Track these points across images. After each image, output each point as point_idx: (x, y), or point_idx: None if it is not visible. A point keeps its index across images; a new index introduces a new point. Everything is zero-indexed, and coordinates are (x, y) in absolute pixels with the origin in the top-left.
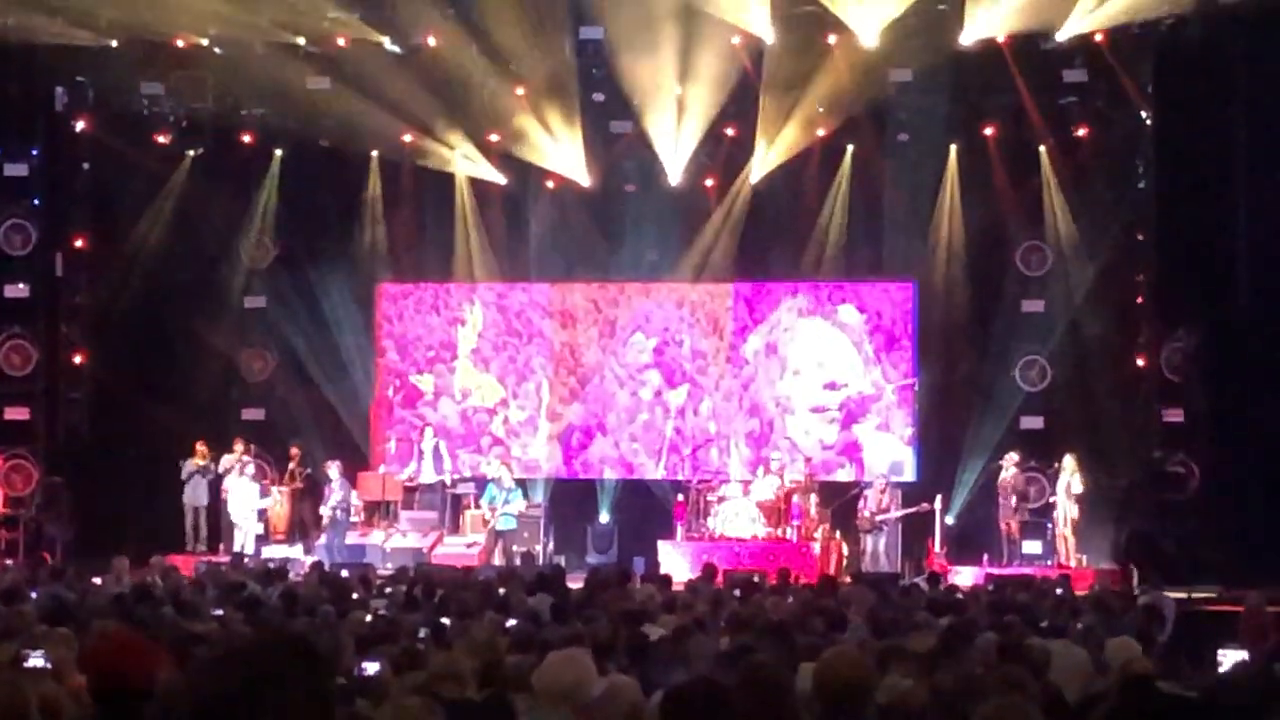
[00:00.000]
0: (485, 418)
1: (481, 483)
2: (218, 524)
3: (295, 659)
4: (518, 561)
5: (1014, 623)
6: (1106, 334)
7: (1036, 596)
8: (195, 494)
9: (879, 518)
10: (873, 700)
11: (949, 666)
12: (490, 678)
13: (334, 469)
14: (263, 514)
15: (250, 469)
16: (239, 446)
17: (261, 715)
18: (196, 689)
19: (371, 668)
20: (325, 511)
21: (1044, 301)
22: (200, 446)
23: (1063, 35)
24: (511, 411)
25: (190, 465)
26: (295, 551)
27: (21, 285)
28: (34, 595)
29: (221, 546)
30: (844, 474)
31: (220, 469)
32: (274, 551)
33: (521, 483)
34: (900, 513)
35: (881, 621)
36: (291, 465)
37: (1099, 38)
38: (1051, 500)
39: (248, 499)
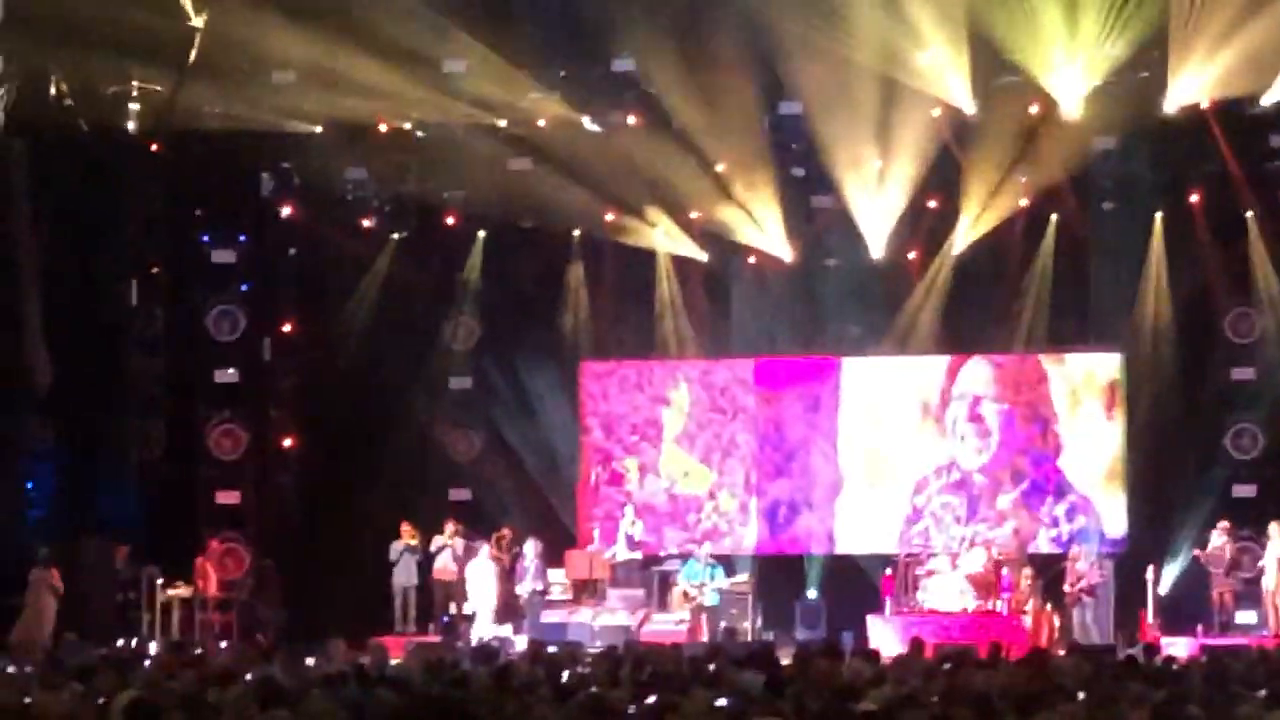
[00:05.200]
0: (694, 501)
1: (685, 559)
2: (426, 604)
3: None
4: (719, 638)
5: (1233, 693)
6: None
7: (1251, 666)
8: (404, 575)
9: (1077, 588)
10: None
11: None
12: None
13: (529, 548)
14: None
15: (484, 552)
16: (449, 527)
17: None
18: None
19: None
20: (522, 591)
21: (1254, 369)
22: (406, 527)
23: (1268, 100)
24: (722, 498)
25: (398, 546)
26: (505, 631)
27: (231, 370)
28: (248, 677)
29: (431, 626)
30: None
31: (432, 549)
32: (484, 631)
33: (728, 559)
34: (1087, 582)
35: (1098, 694)
36: (498, 543)
37: None
38: (1263, 569)
39: (486, 580)
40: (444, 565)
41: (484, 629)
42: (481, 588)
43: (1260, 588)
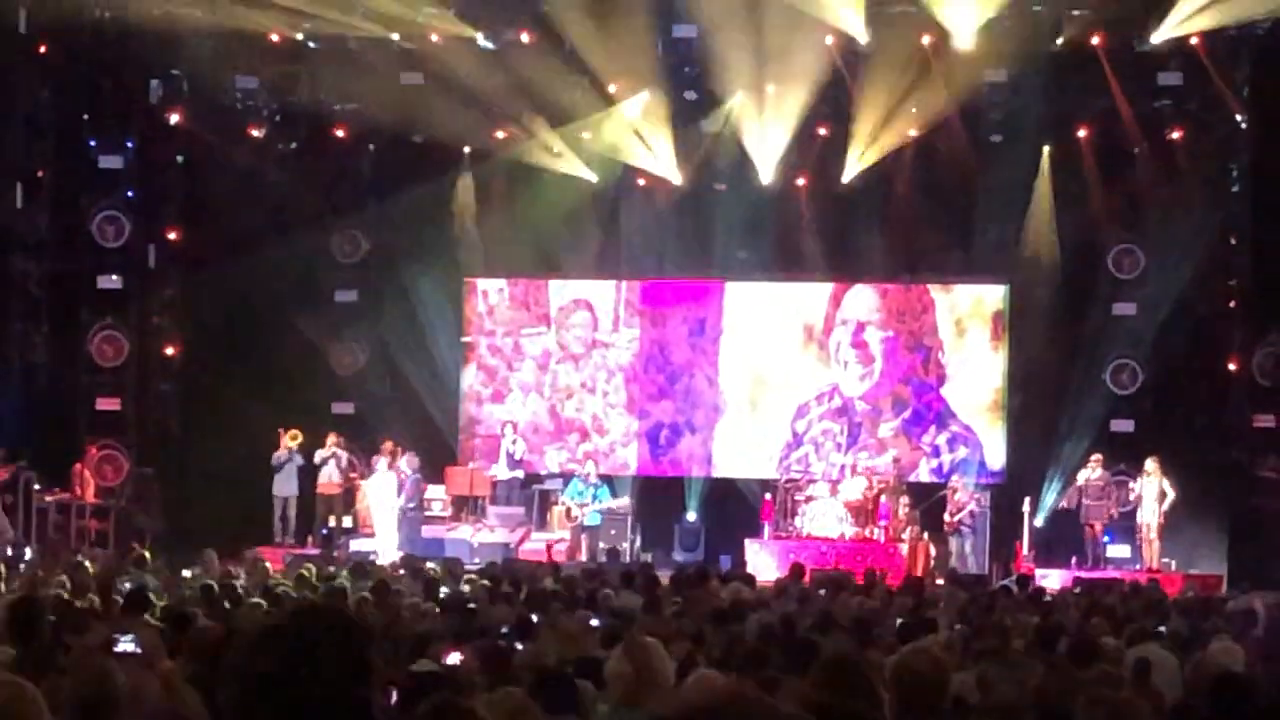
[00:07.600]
0: (576, 422)
1: (567, 478)
2: (306, 515)
3: (330, 631)
4: (603, 558)
5: (1103, 626)
6: (1198, 338)
7: (1125, 600)
8: (286, 483)
9: (956, 518)
10: (948, 696)
11: (1039, 667)
12: (577, 673)
13: (407, 463)
14: (351, 506)
15: (383, 465)
16: (331, 440)
17: (299, 685)
18: (241, 664)
19: (453, 658)
20: (398, 504)
21: (1136, 304)
22: (290, 432)
23: (1158, 38)
24: (605, 419)
25: (281, 454)
26: (385, 545)
27: (114, 277)
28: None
29: (310, 539)
30: (926, 472)
31: (316, 460)
32: (365, 545)
33: (609, 479)
34: (966, 513)
35: (972, 622)
36: (385, 459)
37: (1195, 41)
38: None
39: (389, 497)
40: (327, 478)
41: (389, 547)
42: (386, 504)
43: (1134, 522)
